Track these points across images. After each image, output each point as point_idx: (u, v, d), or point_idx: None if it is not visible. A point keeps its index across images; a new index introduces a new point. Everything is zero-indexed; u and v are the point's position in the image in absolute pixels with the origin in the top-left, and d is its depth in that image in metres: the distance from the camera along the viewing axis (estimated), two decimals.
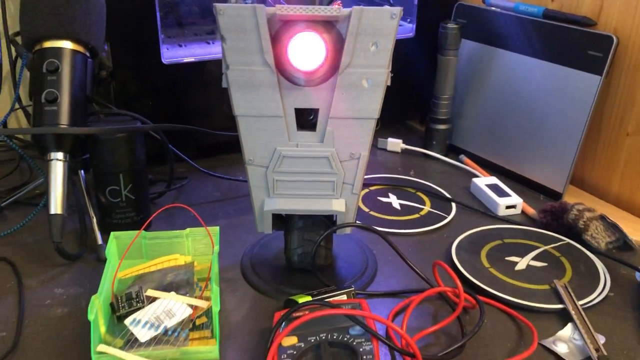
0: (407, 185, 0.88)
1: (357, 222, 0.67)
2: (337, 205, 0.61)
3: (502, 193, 0.83)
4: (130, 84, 0.84)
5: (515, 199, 0.82)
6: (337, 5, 0.56)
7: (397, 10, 0.55)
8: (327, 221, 0.64)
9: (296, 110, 0.59)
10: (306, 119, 0.61)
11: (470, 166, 0.94)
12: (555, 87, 0.85)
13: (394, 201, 0.84)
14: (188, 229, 0.65)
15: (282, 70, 0.57)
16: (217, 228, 0.65)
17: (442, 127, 0.97)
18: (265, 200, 0.61)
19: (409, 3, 1.03)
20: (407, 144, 1.01)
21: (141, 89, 0.85)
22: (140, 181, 0.73)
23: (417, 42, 1.01)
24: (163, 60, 0.84)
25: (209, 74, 0.87)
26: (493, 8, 0.94)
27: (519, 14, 0.89)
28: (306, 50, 0.55)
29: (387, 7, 0.56)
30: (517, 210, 0.82)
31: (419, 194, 0.86)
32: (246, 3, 1.02)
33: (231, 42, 0.56)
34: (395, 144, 1.00)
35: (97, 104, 0.78)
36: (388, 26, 0.55)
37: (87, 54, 0.70)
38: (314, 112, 0.60)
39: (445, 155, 0.98)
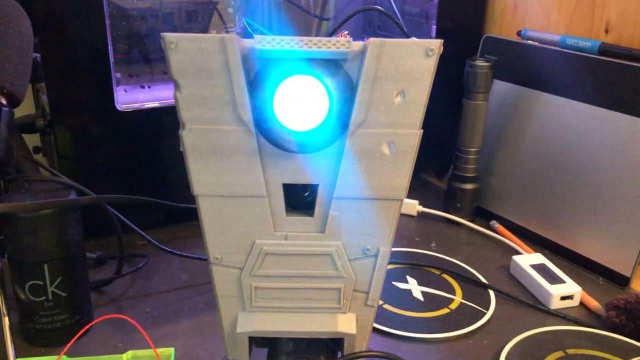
0: (429, 263, 0.69)
1: (374, 350, 0.48)
2: (345, 324, 0.42)
3: (553, 278, 0.64)
4: (74, 136, 0.65)
5: (571, 286, 0.63)
6: (344, 38, 0.39)
7: (435, 44, 0.37)
8: (330, 342, 0.45)
9: (285, 186, 0.40)
10: (299, 198, 0.42)
11: (505, 237, 0.75)
12: (615, 140, 0.67)
13: (415, 288, 0.65)
14: (130, 352, 0.45)
15: (265, 130, 0.38)
16: (170, 350, 0.45)
17: (468, 186, 0.79)
18: (238, 316, 0.42)
19: (425, 35, 0.86)
20: (424, 205, 0.82)
21: (89, 142, 0.66)
22: (74, 272, 0.54)
23: (436, 80, 0.83)
24: (117, 107, 0.66)
25: (178, 123, 0.69)
26: (530, 42, 0.77)
27: (566, 49, 0.72)
28: (300, 103, 0.37)
29: (418, 40, 0.38)
30: (575, 302, 0.63)
31: (446, 276, 0.67)
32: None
33: (188, 89, 0.38)
34: (410, 205, 0.82)
35: (28, 162, 0.59)
36: (421, 67, 0.38)
37: (2, 101, 0.51)
38: (311, 187, 0.41)
39: (472, 221, 0.79)
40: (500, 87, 0.79)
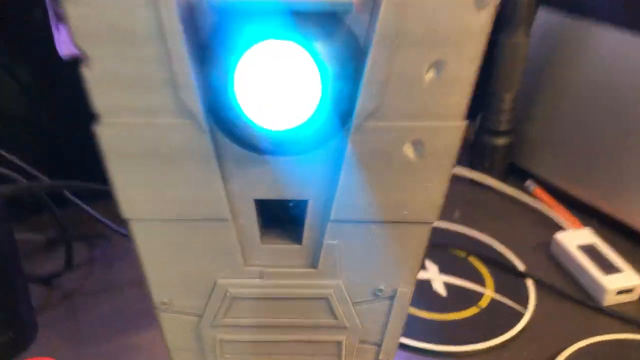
0: (453, 242, 0.57)
1: None
2: None
3: (606, 264, 0.52)
4: (7, 90, 0.52)
5: (630, 277, 0.51)
6: None
7: None
8: None
9: (258, 202, 0.27)
10: (280, 209, 0.29)
11: (544, 202, 0.63)
12: None
13: (435, 277, 0.53)
14: None
15: (224, 122, 0.25)
16: None
17: (501, 141, 0.65)
18: None
19: None
20: None
21: (28, 95, 0.53)
22: (2, 279, 0.42)
23: None
24: (59, 52, 0.52)
25: None
26: None
27: None
28: (276, 83, 0.24)
29: None
30: (634, 296, 0.51)
31: (473, 260, 0.55)
32: None
33: (102, 63, 0.24)
34: None
35: None
36: (468, 25, 0.23)
37: None
38: (298, 202, 0.28)
39: (504, 181, 0.66)
40: (542, 18, 0.63)
